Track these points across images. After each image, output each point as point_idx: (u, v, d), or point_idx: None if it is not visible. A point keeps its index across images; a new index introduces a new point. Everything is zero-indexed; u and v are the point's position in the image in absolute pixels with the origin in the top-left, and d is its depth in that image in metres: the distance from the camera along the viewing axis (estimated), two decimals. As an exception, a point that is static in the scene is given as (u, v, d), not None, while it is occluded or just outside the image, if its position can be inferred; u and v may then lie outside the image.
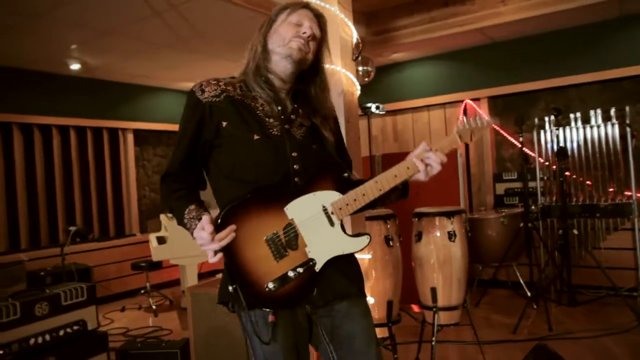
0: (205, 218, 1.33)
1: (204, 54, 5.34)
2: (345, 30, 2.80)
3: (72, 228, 4.64)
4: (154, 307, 5.10)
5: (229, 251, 1.36)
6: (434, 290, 3.15)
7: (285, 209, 1.39)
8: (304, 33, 1.47)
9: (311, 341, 1.52)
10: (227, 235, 1.34)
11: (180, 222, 1.44)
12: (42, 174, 5.70)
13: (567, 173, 4.57)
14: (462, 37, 5.13)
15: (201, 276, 5.41)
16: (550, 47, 5.13)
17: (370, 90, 5.68)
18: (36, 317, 2.69)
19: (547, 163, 4.89)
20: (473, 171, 5.65)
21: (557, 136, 4.60)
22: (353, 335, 1.46)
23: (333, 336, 1.48)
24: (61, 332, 2.79)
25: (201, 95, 1.45)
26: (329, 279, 1.44)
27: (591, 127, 4.67)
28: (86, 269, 4.97)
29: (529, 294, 4.49)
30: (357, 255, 1.53)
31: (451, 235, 3.15)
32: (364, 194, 1.41)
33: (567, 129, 4.77)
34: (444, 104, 5.84)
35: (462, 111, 5.67)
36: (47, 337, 2.72)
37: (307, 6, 1.52)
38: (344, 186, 1.45)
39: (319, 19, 1.53)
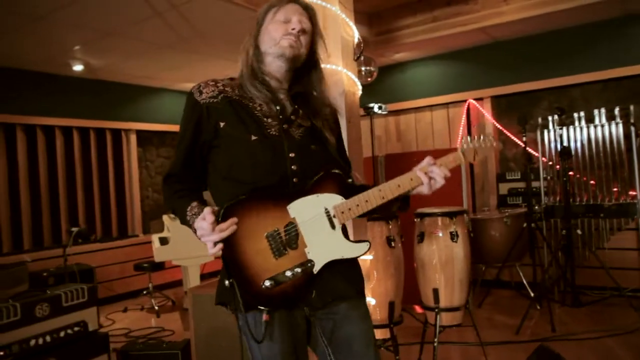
0: (207, 209, 1.33)
1: (205, 54, 5.34)
2: (346, 30, 2.79)
3: (75, 229, 4.63)
4: (156, 307, 5.11)
5: (229, 244, 1.35)
6: (436, 291, 3.13)
7: (288, 207, 1.39)
8: (293, 29, 1.44)
9: (309, 343, 1.51)
10: (228, 227, 1.33)
11: (183, 220, 1.44)
12: (45, 175, 5.71)
13: (570, 173, 4.55)
14: (465, 37, 5.12)
15: (203, 277, 5.41)
16: (553, 46, 5.11)
17: (373, 91, 5.66)
18: (37, 318, 2.69)
19: (550, 163, 4.87)
20: (476, 171, 5.63)
21: (561, 136, 4.58)
22: (352, 337, 1.45)
23: (331, 338, 1.46)
24: (62, 334, 2.79)
25: (199, 97, 1.45)
26: (328, 281, 1.42)
27: (595, 126, 4.65)
28: (89, 270, 4.97)
29: (532, 294, 4.45)
30: (358, 256, 1.52)
31: (453, 236, 3.13)
32: (366, 201, 1.42)
33: (571, 129, 4.75)
34: (447, 103, 5.82)
35: (465, 111, 5.65)
36: (48, 338, 2.72)
37: (293, 0, 1.49)
38: (347, 191, 1.44)
39: (308, 11, 1.50)
